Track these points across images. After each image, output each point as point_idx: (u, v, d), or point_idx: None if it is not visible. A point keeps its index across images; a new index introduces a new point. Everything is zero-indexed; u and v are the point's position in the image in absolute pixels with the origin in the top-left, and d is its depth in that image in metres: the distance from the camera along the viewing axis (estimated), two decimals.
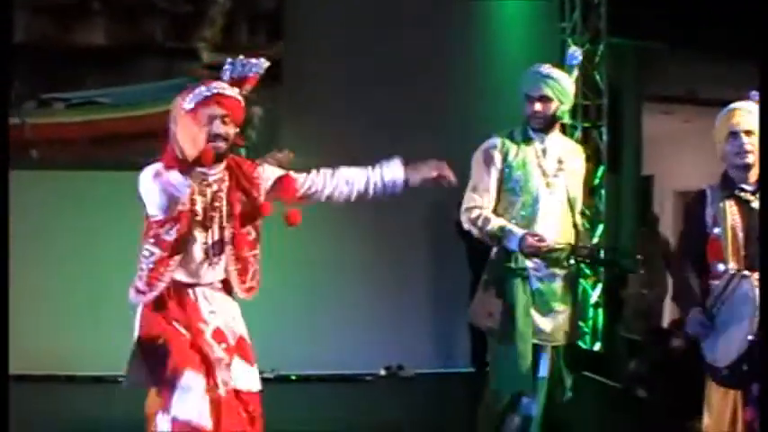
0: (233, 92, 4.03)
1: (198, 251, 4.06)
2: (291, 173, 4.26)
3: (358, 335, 8.79)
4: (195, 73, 8.52)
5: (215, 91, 4.00)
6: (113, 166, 8.36)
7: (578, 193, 5.18)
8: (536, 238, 4.84)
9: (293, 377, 8.65)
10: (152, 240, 3.99)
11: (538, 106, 5.00)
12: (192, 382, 3.86)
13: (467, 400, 5.30)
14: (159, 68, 8.87)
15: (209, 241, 4.07)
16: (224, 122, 3.99)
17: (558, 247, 4.95)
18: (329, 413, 7.53)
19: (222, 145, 4.00)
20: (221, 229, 4.09)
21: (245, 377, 4.08)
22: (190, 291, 4.09)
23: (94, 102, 8.94)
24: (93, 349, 8.29)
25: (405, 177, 4.29)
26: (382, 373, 8.96)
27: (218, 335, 4.05)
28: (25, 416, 7.06)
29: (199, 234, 4.05)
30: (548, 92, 4.99)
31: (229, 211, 4.09)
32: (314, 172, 4.30)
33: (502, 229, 4.92)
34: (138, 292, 4.04)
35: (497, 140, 5.06)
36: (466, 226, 5.08)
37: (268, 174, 4.21)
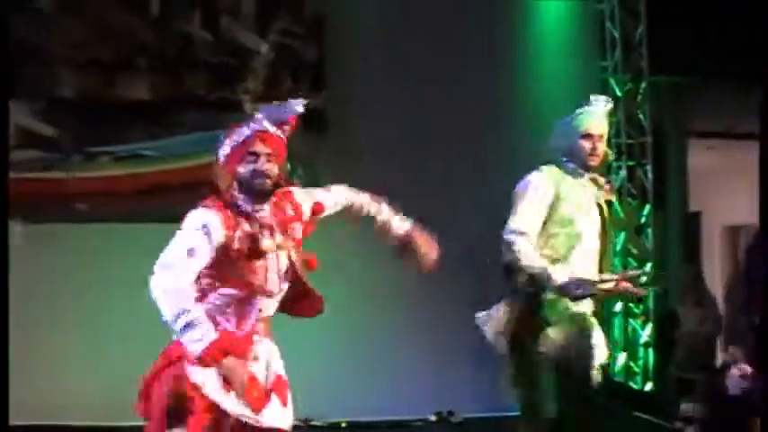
0: (274, 129, 3.99)
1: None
2: (318, 197, 4.24)
3: (408, 380, 8.75)
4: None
5: (256, 128, 3.97)
6: (159, 218, 8.44)
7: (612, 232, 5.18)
8: (577, 288, 4.77)
9: (343, 424, 8.60)
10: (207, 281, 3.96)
11: (600, 145, 4.97)
12: None
13: None
14: (203, 120, 8.94)
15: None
16: (268, 160, 3.94)
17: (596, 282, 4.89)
18: None
19: (268, 182, 3.94)
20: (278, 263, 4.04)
21: (277, 416, 3.98)
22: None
23: (140, 154, 9.05)
24: None
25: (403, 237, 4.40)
26: (432, 418, 8.91)
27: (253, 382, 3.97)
28: None
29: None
30: (605, 130, 5.02)
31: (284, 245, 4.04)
32: (334, 189, 4.34)
33: (543, 269, 4.80)
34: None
35: (546, 173, 4.99)
36: (508, 249, 4.93)
37: (302, 198, 4.16)
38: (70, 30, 9.18)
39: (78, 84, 9.15)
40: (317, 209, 4.20)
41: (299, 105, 4.06)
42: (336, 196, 4.32)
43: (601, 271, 5.00)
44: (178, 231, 3.92)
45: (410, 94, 8.97)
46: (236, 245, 3.89)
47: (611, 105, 5.12)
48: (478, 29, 9.18)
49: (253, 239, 3.91)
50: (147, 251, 9.06)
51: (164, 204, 8.71)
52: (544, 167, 5.03)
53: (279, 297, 4.07)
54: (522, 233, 4.88)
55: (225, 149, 4.01)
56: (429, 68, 9.10)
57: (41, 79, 9.19)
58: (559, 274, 4.77)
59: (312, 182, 8.98)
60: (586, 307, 4.97)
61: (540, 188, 4.95)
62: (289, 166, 8.38)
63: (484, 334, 5.11)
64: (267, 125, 3.98)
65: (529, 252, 4.85)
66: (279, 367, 4.10)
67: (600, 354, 4.99)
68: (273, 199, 4.03)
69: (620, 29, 9.68)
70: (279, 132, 4.01)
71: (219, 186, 3.99)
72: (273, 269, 3.99)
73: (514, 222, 4.92)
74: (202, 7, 9.32)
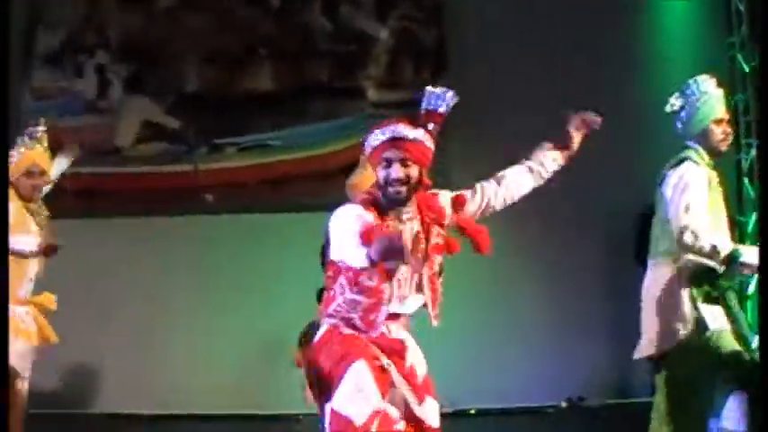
0: (411, 132, 3.92)
1: (397, 288, 3.97)
2: (462, 192, 4.16)
3: (539, 366, 8.66)
4: (362, 111, 8.68)
5: (389, 135, 3.91)
6: (286, 208, 8.51)
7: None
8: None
9: (472, 411, 8.58)
10: (355, 289, 3.90)
11: (728, 129, 4.99)
12: (365, 382, 3.84)
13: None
14: (326, 108, 9.01)
15: (410, 278, 3.98)
16: (404, 165, 3.89)
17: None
18: None
19: (402, 189, 3.89)
20: (421, 265, 3.99)
21: (434, 414, 4.01)
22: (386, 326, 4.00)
23: (265, 144, 9.15)
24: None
25: (561, 148, 4.30)
26: (563, 404, 8.80)
27: (412, 373, 3.99)
28: None
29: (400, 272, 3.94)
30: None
31: (427, 247, 3.99)
32: (479, 186, 4.20)
33: (735, 251, 4.77)
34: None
35: (702, 164, 4.95)
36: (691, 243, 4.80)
37: (445, 198, 4.10)
38: (193, 25, 9.33)
39: (202, 77, 9.32)
40: (459, 200, 4.10)
41: (451, 97, 3.99)
42: (481, 189, 4.19)
43: None
44: (334, 226, 3.86)
45: (533, 74, 8.86)
46: None
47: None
48: (602, 8, 8.99)
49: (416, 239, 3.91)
50: (274, 240, 9.25)
51: (290, 193, 8.79)
52: (692, 157, 4.96)
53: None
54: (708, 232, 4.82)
55: (366, 147, 4.01)
56: (550, 47, 8.96)
57: (166, 75, 9.36)
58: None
59: (440, 169, 9.00)
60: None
61: (701, 180, 4.90)
62: None
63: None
64: (402, 130, 3.91)
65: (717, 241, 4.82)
66: (423, 365, 4.10)
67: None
68: (415, 201, 3.99)
69: (746, 3, 9.38)
70: (419, 134, 3.93)
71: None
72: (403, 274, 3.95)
73: (702, 220, 4.83)
74: None
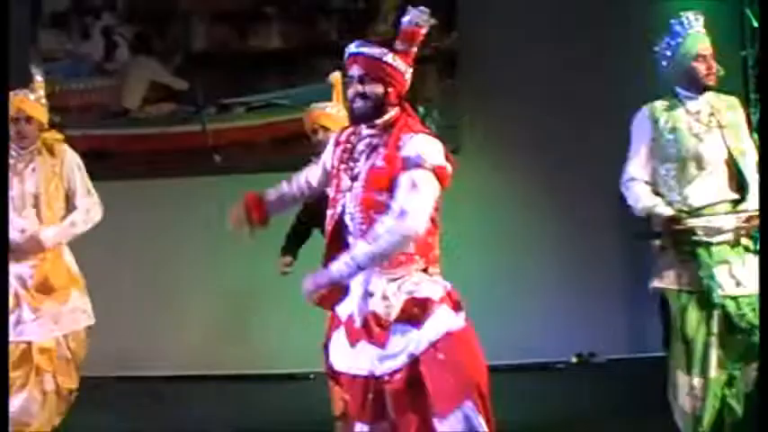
0: (368, 49, 3.91)
1: None
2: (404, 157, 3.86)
3: (548, 322, 8.67)
4: None
5: (347, 52, 3.95)
6: (296, 167, 8.48)
7: (743, 146, 5.04)
8: (675, 225, 4.87)
9: None
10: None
11: (712, 63, 5.00)
12: None
13: (660, 386, 5.19)
14: (335, 67, 8.90)
15: None
16: (361, 82, 3.88)
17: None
18: (520, 402, 7.46)
19: (360, 105, 3.89)
20: None
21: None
22: None
23: (274, 104, 9.13)
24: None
25: None
26: (573, 360, 8.83)
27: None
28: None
29: None
30: (711, 49, 5.04)
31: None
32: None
33: (648, 210, 4.97)
34: None
35: (646, 109, 5.08)
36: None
37: (412, 148, 3.83)
38: None
39: (209, 37, 9.30)
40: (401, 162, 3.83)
41: (427, 16, 3.96)
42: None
43: (724, 191, 4.98)
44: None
45: (543, 34, 8.79)
46: None
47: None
48: None
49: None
50: None
51: (300, 153, 8.75)
52: (648, 104, 5.10)
53: None
54: (632, 179, 5.05)
55: None
56: (561, 6, 8.89)
57: (172, 35, 9.33)
58: (661, 209, 4.93)
59: (448, 125, 9.01)
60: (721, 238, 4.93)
61: (645, 124, 5.07)
62: (422, 109, 8.43)
63: None
64: (359, 47, 3.93)
65: (641, 195, 5.01)
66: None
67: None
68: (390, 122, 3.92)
69: None
70: (376, 51, 3.90)
71: None
72: None
73: (626, 170, 5.11)
74: None
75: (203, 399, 8.15)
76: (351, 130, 4.07)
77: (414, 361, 3.80)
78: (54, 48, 9.40)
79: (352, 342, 3.89)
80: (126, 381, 8.68)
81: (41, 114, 5.93)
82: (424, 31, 3.97)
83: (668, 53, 5.08)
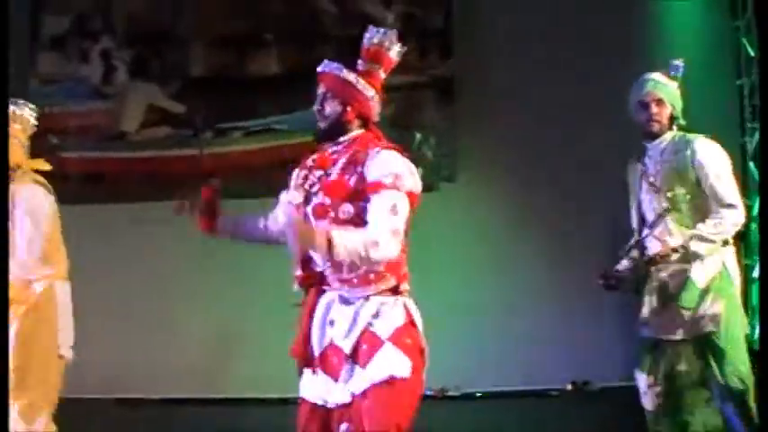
0: (327, 66, 3.93)
1: None
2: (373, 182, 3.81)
3: (543, 350, 8.65)
4: None
5: (318, 70, 3.96)
6: None
7: (710, 183, 5.09)
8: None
9: (478, 394, 8.57)
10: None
11: (654, 109, 5.09)
12: None
13: None
14: None
15: None
16: (323, 100, 3.92)
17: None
18: (515, 430, 7.45)
19: (321, 123, 3.94)
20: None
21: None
22: None
23: (272, 129, 9.15)
24: None
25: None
26: (568, 387, 8.82)
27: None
28: None
29: None
30: (661, 95, 5.10)
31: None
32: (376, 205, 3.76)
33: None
34: None
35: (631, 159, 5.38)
36: None
37: (376, 167, 3.78)
38: (198, 8, 9.33)
39: (207, 61, 9.32)
40: (368, 188, 3.75)
41: (395, 39, 3.93)
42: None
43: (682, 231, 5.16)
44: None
45: (539, 60, 8.83)
46: None
47: (679, 70, 5.23)
48: None
49: None
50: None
51: None
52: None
53: None
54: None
55: None
56: (555, 35, 8.93)
57: (170, 59, 9.37)
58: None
59: (445, 153, 9.03)
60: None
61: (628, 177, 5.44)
62: (419, 136, 8.46)
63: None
64: (324, 66, 3.95)
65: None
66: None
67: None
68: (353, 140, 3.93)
69: None
70: (331, 67, 3.93)
71: None
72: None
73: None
74: None
75: (199, 422, 8.12)
76: (315, 153, 4.05)
77: (355, 399, 3.73)
78: (53, 70, 9.43)
79: (314, 369, 3.89)
80: (122, 403, 8.65)
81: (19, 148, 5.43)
82: (392, 54, 3.94)
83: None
